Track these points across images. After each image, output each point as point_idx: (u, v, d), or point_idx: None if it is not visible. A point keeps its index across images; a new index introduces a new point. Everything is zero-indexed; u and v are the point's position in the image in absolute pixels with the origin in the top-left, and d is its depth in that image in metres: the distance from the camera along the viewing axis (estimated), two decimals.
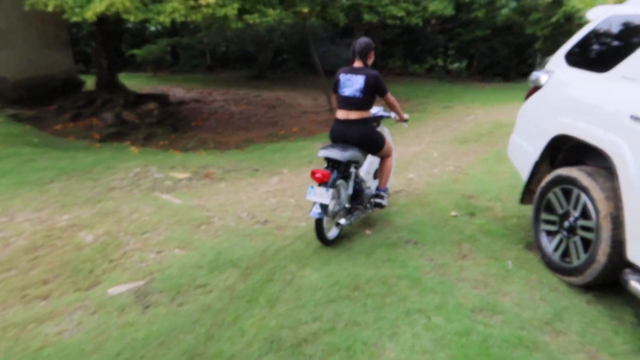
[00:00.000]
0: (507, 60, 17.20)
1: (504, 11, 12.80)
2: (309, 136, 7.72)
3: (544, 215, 3.18)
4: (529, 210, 4.04)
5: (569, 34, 13.66)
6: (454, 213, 4.01)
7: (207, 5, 5.47)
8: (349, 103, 3.35)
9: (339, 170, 3.28)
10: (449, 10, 12.24)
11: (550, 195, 3.09)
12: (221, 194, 4.57)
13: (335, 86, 3.43)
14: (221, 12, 5.50)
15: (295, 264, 3.12)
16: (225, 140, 7.69)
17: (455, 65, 20.37)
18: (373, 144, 3.52)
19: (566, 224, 2.96)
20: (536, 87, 3.41)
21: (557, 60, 3.35)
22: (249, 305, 2.66)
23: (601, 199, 2.62)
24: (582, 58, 3.14)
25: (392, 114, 3.84)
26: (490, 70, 17.26)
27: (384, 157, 3.74)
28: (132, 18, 5.29)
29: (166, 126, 7.97)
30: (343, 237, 3.55)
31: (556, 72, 3.27)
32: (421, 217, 3.93)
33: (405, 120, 3.95)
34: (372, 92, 3.36)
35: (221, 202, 4.31)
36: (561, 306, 2.65)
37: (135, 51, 14.56)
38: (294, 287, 2.84)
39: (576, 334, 2.42)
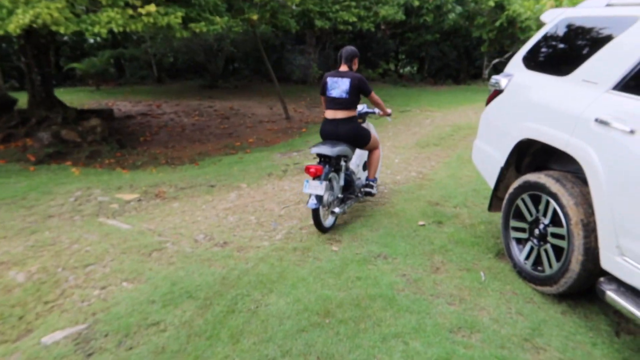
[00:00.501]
0: (457, 63, 17.69)
1: (451, 16, 13.12)
2: (267, 146, 7.46)
3: (513, 223, 3.10)
4: (496, 216, 4.00)
5: (512, 37, 14.25)
6: (422, 222, 3.90)
7: (148, 14, 5.10)
8: (336, 103, 3.70)
9: (330, 164, 3.59)
10: (400, 15, 12.38)
11: (519, 202, 3.02)
12: (175, 215, 4.23)
13: (323, 89, 3.79)
14: (163, 21, 5.14)
15: (259, 290, 2.87)
16: (178, 154, 7.28)
17: (407, 69, 20.75)
18: (360, 139, 3.88)
19: (536, 231, 2.89)
20: (497, 91, 3.35)
21: (515, 63, 3.30)
22: (210, 343, 2.38)
23: (571, 206, 2.55)
24: (540, 61, 3.11)
25: (376, 110, 4.19)
26: (442, 73, 17.69)
27: (371, 150, 4.11)
28: (62, 30, 4.80)
29: (111, 143, 7.44)
30: (309, 255, 3.34)
31: (516, 75, 3.22)
32: (389, 228, 3.78)
33: (389, 115, 4.24)
34: (357, 92, 3.69)
35: (175, 224, 3.97)
36: (539, 319, 2.56)
37: (75, 65, 13.69)
38: (259, 317, 2.59)
39: (556, 349, 2.32)
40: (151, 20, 5.20)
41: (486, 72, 15.34)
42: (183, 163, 6.72)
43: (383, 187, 4.97)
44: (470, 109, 10.00)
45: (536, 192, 2.84)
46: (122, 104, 11.49)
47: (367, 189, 4.08)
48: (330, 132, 3.78)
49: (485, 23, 13.16)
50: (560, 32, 3.00)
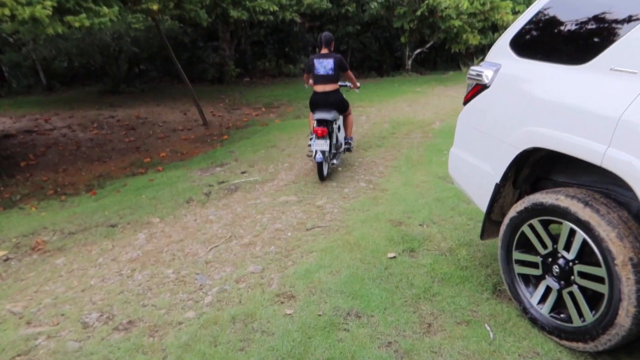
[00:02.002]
0: (379, 55, 17.40)
1: (373, 5, 12.62)
2: (183, 160, 6.29)
3: (518, 255, 2.40)
4: (473, 233, 3.33)
5: (433, 26, 14.14)
6: (391, 254, 3.10)
7: (3, 5, 3.76)
8: (324, 79, 4.65)
9: (328, 126, 4.54)
10: (325, 4, 11.58)
11: (525, 229, 2.32)
12: (57, 280, 3.03)
13: (310, 68, 4.73)
14: (25, 13, 3.81)
15: None
16: (71, 180, 5.85)
17: None
18: (343, 105, 4.91)
19: (555, 268, 2.21)
20: (479, 87, 2.63)
21: (501, 50, 2.59)
22: None
23: (613, 239, 1.87)
24: (539, 46, 2.41)
25: (348, 84, 5.11)
26: (364, 66, 17.29)
27: (347, 115, 5.18)
28: None
29: None
30: (255, 328, 2.38)
31: (505, 66, 2.51)
32: (353, 267, 2.93)
33: (358, 87, 5.27)
34: (339, 69, 4.70)
35: (56, 297, 2.80)
36: None
37: None
38: None
39: None
40: (6, 12, 3.84)
41: (409, 62, 15.14)
42: (77, 192, 5.34)
43: (331, 205, 4.13)
44: (402, 101, 9.51)
45: (553, 218, 2.15)
46: (0, 120, 9.48)
47: (346, 146, 5.22)
48: (322, 102, 4.71)
49: (405, 13, 12.84)
50: (569, 3, 2.31)
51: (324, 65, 4.64)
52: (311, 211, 3.99)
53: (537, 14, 2.39)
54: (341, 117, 5.11)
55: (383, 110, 8.56)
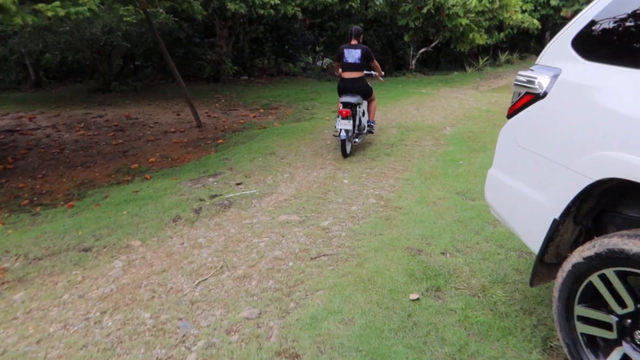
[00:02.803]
0: (381, 54, 16.87)
1: (379, 2, 12.09)
2: (173, 167, 5.75)
3: (583, 310, 1.90)
4: (506, 266, 2.82)
5: (438, 25, 13.61)
6: (414, 296, 2.59)
7: None
8: (352, 67, 5.30)
9: (352, 109, 5.18)
10: None
11: (595, 280, 1.81)
12: (9, 327, 2.50)
13: (340, 57, 5.36)
14: None
15: None
16: (50, 188, 5.31)
17: (327, 62, 19.64)
18: (368, 92, 5.54)
19: (638, 335, 1.71)
20: (531, 96, 2.11)
21: (559, 50, 2.07)
22: None
23: None
24: (616, 45, 1.89)
25: (374, 72, 5.58)
26: None
27: (371, 101, 5.84)
28: None
29: None
30: None
31: (567, 71, 1.99)
32: (370, 316, 2.42)
33: (383, 76, 5.83)
34: (366, 59, 5.30)
35: (3, 351, 2.27)
36: None
37: None
38: None
39: None
40: None
41: (413, 62, 14.62)
42: (54, 202, 4.81)
43: (338, 226, 3.61)
44: (408, 104, 9.00)
45: (636, 270, 1.64)
46: None
47: (369, 128, 5.84)
48: (348, 87, 5.34)
49: (411, 10, 12.31)
50: None
51: (353, 54, 5.29)
52: (315, 234, 3.47)
53: (614, 2, 1.87)
54: (365, 102, 5.75)
55: (389, 113, 8.04)
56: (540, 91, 2.06)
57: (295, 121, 7.96)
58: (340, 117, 5.09)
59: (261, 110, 9.14)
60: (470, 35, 13.51)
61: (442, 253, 3.10)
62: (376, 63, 5.50)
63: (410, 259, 3.01)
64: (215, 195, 4.39)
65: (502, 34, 16.58)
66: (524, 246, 3.06)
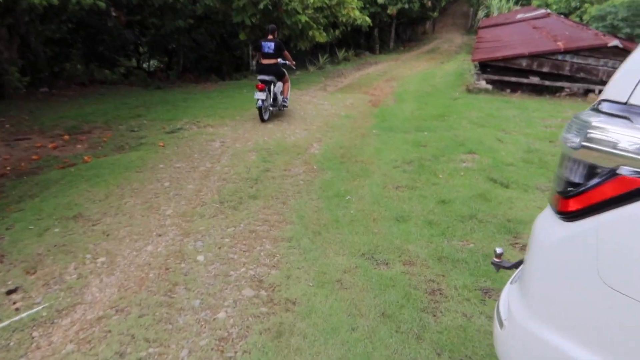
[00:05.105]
0: (216, 54, 15.16)
1: None
2: None
3: None
4: None
5: (277, 21, 12.55)
6: None
7: None
8: (268, 55, 6.98)
9: (267, 85, 6.84)
10: None
11: None
12: None
13: (259, 47, 7.07)
14: None
15: None
16: None
17: (152, 63, 17.02)
18: (280, 74, 7.27)
19: None
20: (625, 182, 0.94)
21: None
22: None
23: None
24: None
25: (287, 62, 7.27)
26: (201, 67, 14.87)
27: (284, 82, 7.53)
28: None
29: None
30: None
31: None
32: None
33: (294, 64, 7.71)
34: (279, 50, 7.01)
35: None
36: None
37: None
38: None
39: None
40: None
41: (253, 62, 13.29)
42: None
43: None
44: (256, 118, 7.65)
45: None
46: None
47: (283, 103, 7.57)
48: (265, 70, 7.01)
49: (245, 6, 10.93)
50: None
51: (269, 46, 6.92)
52: None
53: None
54: (280, 83, 7.34)
55: (240, 130, 6.57)
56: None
57: (116, 151, 5.89)
58: (257, 90, 6.67)
59: (66, 137, 6.72)
60: (310, 33, 12.83)
61: None
62: (287, 54, 7.20)
63: None
64: None
65: (337, 31, 16.46)
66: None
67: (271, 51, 6.92)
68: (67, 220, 3.70)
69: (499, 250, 1.83)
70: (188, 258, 3.06)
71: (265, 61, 7.01)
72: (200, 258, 3.06)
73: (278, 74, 7.15)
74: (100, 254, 3.16)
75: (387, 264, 2.99)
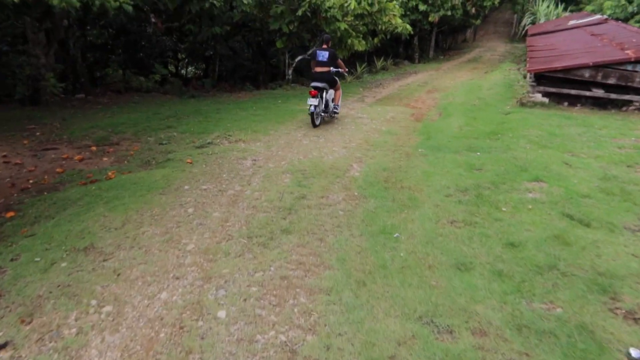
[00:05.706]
0: (252, 63, 14.88)
1: (246, 0, 10.00)
2: None
3: None
4: None
5: (314, 29, 12.07)
6: None
7: None
8: (322, 64, 7.27)
9: (320, 92, 7.07)
10: None
11: None
12: None
13: (314, 56, 7.39)
14: None
15: None
16: None
17: (189, 69, 16.94)
18: (333, 82, 7.51)
19: None
20: None
21: None
22: None
23: None
24: None
25: (340, 70, 7.50)
26: (236, 76, 14.61)
27: (336, 90, 7.81)
28: None
29: None
30: None
31: None
32: None
33: (347, 71, 8.68)
34: (332, 58, 7.30)
35: None
36: None
37: None
38: None
39: None
40: None
41: (289, 72, 12.91)
42: None
43: None
44: (295, 129, 7.16)
45: None
46: None
47: (334, 110, 7.90)
48: (319, 77, 7.23)
49: (283, 13, 10.54)
50: None
51: (323, 54, 7.28)
52: None
53: None
54: (332, 91, 7.64)
55: (274, 147, 6.08)
56: None
57: (141, 166, 5.52)
58: (310, 96, 6.94)
59: (93, 149, 6.45)
60: (349, 41, 12.29)
61: None
62: (341, 62, 7.55)
63: None
64: None
65: (376, 40, 15.87)
66: None
67: (325, 59, 7.21)
68: (77, 253, 3.27)
69: (634, 353, 1.24)
70: (207, 313, 2.55)
71: (319, 69, 7.27)
72: (222, 314, 2.54)
73: (330, 81, 7.39)
74: (107, 301, 2.70)
75: (451, 332, 2.37)
